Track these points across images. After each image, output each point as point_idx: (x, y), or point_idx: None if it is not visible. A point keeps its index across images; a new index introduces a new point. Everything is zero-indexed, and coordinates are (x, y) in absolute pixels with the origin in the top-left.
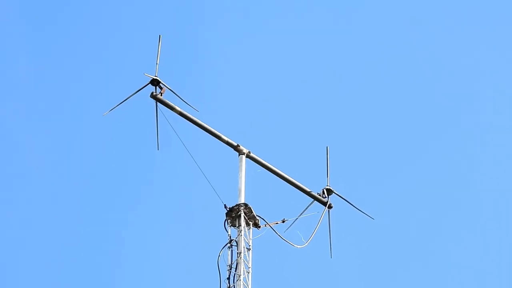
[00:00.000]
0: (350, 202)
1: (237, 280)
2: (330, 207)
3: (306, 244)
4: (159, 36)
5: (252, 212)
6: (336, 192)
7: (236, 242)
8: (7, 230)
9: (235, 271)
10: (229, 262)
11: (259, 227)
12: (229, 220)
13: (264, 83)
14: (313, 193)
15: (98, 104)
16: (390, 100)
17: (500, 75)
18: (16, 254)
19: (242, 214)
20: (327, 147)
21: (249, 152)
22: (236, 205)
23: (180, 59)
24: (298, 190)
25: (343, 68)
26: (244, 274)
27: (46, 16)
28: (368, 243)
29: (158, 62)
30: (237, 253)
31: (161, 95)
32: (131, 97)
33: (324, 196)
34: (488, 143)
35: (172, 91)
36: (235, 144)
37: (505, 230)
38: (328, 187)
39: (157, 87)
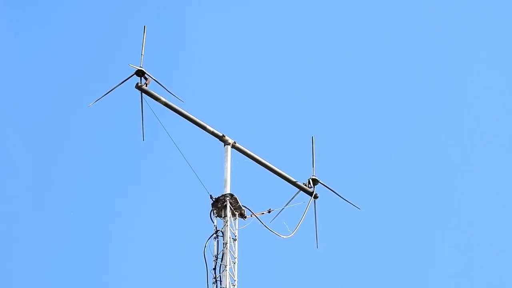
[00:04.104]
0: (336, 192)
1: (223, 271)
2: (316, 197)
3: (292, 234)
4: (144, 27)
5: (238, 202)
6: (322, 182)
7: (222, 233)
8: None
9: (221, 262)
10: (215, 253)
11: (245, 217)
12: (215, 211)
13: (249, 74)
14: (298, 183)
15: (83, 95)
16: (375, 89)
17: (485, 69)
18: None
19: (228, 205)
20: (312, 137)
21: (235, 143)
22: (222, 195)
23: (165, 50)
24: (284, 180)
25: (327, 59)
26: (230, 264)
27: (30, 7)
28: (354, 233)
29: (143, 53)
30: (223, 243)
31: (146, 85)
32: (116, 88)
33: (310, 186)
34: (475, 133)
35: (157, 81)
36: (221, 134)
37: (493, 220)
38: (313, 177)
39: (142, 77)
